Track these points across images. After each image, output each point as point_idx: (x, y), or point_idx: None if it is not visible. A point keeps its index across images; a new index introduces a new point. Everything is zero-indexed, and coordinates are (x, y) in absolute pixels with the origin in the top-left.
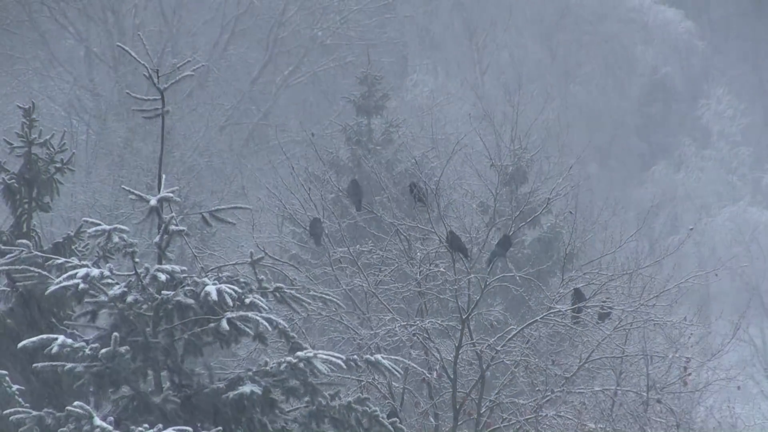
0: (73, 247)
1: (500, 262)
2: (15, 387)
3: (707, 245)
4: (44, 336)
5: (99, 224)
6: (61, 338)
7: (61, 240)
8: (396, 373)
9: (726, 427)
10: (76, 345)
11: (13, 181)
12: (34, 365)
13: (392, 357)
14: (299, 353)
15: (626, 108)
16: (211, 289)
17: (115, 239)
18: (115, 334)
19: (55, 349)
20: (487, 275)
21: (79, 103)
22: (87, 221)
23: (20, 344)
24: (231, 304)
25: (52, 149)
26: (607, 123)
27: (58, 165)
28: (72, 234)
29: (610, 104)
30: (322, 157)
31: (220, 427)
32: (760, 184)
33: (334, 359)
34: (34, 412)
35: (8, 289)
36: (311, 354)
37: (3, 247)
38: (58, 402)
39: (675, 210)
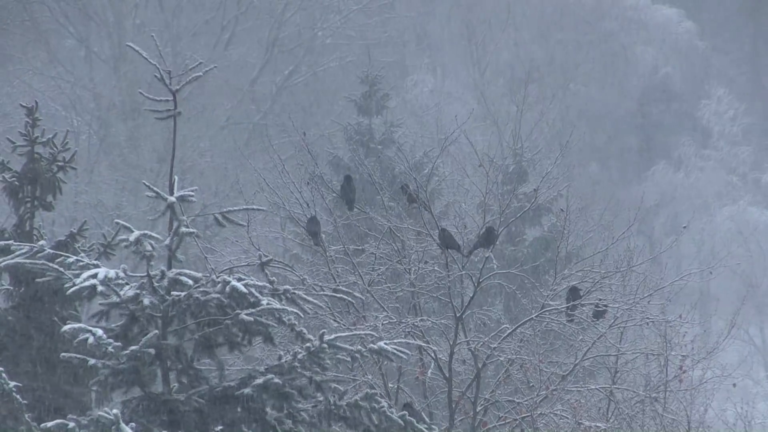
0: (76, 245)
1: (492, 261)
2: (12, 384)
3: (707, 245)
4: (82, 325)
5: (131, 230)
6: (99, 331)
7: (63, 238)
8: (402, 355)
9: (724, 426)
10: (104, 341)
11: (15, 179)
12: (62, 354)
13: (395, 341)
14: (315, 338)
15: (626, 108)
16: (238, 284)
17: (147, 246)
18: (138, 332)
19: (91, 340)
20: (479, 272)
21: (79, 102)
22: (118, 223)
23: (63, 329)
24: (260, 297)
25: (55, 148)
26: (607, 123)
27: (60, 164)
28: (75, 231)
29: (610, 104)
30: (313, 155)
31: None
32: (760, 184)
33: (345, 345)
34: (59, 420)
35: (12, 287)
36: (332, 336)
37: (13, 244)
38: (57, 400)
39: (675, 210)
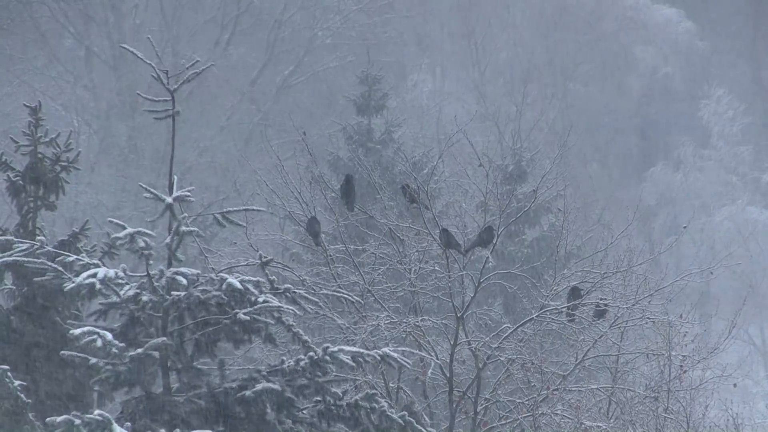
0: (78, 245)
1: (490, 260)
2: (17, 383)
3: (706, 245)
4: (91, 328)
5: (124, 227)
6: (109, 335)
7: (66, 238)
8: (405, 364)
9: (725, 426)
10: (112, 343)
11: (19, 179)
12: (62, 352)
13: (399, 348)
14: (319, 349)
15: (626, 108)
16: (234, 281)
17: (140, 243)
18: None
19: (99, 343)
20: (479, 272)
21: (79, 102)
22: (112, 221)
23: (72, 332)
24: (258, 294)
25: (58, 148)
26: (607, 123)
27: (64, 164)
28: (77, 231)
29: (610, 104)
30: (314, 155)
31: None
32: (759, 184)
33: (348, 355)
34: (62, 417)
35: (14, 287)
36: (335, 348)
37: (15, 240)
38: (59, 399)
39: (674, 210)
